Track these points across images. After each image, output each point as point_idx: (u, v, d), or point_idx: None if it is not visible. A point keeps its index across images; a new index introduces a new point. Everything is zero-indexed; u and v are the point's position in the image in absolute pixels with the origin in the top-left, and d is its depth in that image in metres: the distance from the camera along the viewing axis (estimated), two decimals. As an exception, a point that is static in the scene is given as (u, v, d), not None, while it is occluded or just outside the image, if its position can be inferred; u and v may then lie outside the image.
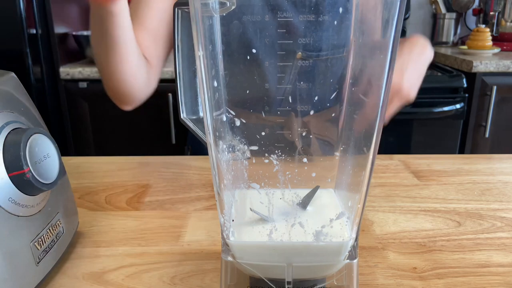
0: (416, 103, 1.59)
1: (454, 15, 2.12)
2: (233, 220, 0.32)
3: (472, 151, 1.70)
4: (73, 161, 0.72)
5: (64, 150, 1.68)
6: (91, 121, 1.65)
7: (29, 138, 0.35)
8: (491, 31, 1.88)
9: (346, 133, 0.35)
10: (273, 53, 0.36)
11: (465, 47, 1.84)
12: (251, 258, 0.32)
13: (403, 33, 2.17)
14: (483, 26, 1.85)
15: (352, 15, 0.31)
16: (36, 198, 0.36)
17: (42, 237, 0.37)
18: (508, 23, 1.90)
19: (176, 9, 0.39)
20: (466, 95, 1.60)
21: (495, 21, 1.92)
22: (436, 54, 1.91)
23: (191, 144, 0.98)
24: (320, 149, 0.37)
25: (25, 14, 1.42)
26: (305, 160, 0.35)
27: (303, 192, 0.35)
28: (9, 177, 0.33)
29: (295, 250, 0.31)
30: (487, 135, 1.67)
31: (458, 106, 1.59)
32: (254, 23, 0.32)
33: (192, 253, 0.45)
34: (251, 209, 0.33)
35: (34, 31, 1.47)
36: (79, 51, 1.67)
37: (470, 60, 1.60)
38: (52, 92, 1.58)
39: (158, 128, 1.66)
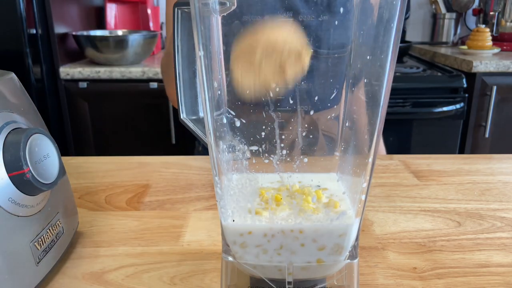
0: (416, 103, 1.60)
1: (454, 15, 2.12)
2: (233, 220, 0.32)
3: (472, 151, 1.71)
4: (73, 161, 0.72)
5: (64, 150, 1.68)
6: (91, 121, 1.65)
7: (29, 138, 0.35)
8: (491, 31, 1.88)
9: (346, 133, 0.35)
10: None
11: (465, 47, 1.84)
12: (252, 257, 0.32)
13: (403, 33, 2.17)
14: (483, 26, 1.85)
15: (353, 15, 0.31)
16: (36, 198, 0.36)
17: (42, 237, 0.37)
18: (508, 23, 1.90)
19: (176, 9, 0.39)
20: (466, 95, 1.60)
21: (495, 21, 1.92)
22: (436, 54, 1.91)
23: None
24: (320, 149, 0.36)
25: (25, 14, 1.42)
26: (305, 160, 0.35)
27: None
28: (9, 177, 0.33)
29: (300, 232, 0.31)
30: (487, 135, 1.67)
31: (458, 106, 1.59)
32: (254, 22, 0.32)
33: (192, 253, 0.45)
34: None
35: (34, 31, 1.48)
36: (79, 51, 1.67)
37: (470, 60, 1.61)
38: (52, 92, 1.58)
39: (158, 128, 1.66)
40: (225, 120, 0.33)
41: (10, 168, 0.33)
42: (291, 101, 0.34)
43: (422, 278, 0.40)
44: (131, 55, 1.62)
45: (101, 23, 1.94)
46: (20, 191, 0.34)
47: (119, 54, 1.60)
